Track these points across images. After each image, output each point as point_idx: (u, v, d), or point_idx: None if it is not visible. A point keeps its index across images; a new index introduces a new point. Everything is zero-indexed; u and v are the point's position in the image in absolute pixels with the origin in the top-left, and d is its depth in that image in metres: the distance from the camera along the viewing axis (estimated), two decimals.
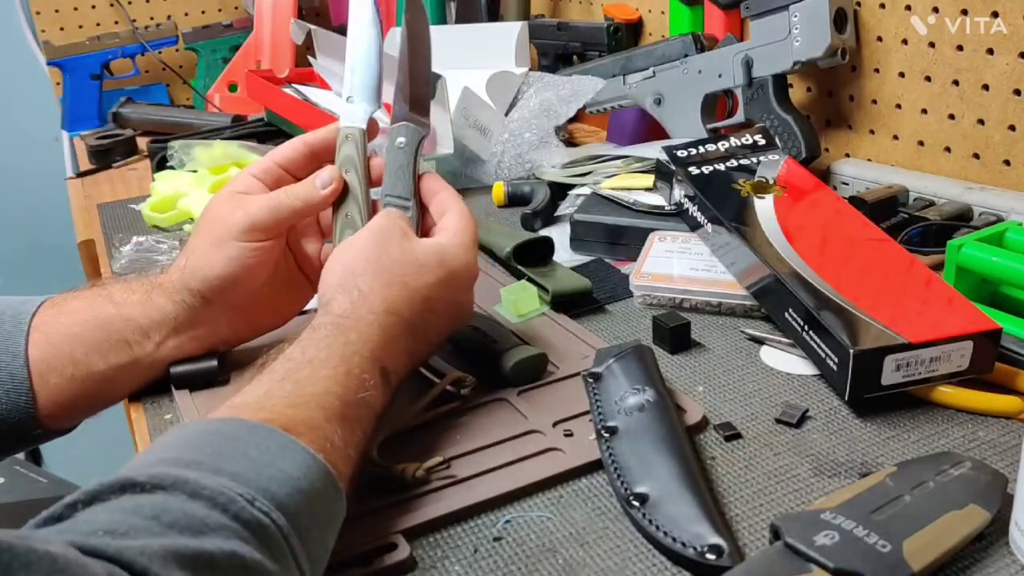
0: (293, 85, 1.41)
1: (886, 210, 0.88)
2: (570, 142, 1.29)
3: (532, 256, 0.84)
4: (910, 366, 0.59)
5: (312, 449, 0.46)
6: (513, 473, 0.55)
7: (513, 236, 0.86)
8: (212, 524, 0.38)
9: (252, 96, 1.43)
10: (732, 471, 0.56)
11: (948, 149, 0.93)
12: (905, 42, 0.94)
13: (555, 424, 0.60)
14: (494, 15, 1.49)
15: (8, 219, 2.19)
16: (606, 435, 0.56)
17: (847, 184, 0.99)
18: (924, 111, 0.94)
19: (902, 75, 0.95)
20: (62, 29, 1.73)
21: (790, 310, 0.66)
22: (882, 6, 0.95)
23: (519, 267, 0.82)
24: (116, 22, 1.76)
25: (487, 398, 0.64)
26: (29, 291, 0.66)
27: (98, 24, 1.75)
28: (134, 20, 1.74)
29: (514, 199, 1.05)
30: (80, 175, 1.39)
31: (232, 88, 1.63)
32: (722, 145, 0.88)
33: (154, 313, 0.65)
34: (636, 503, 0.51)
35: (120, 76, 1.68)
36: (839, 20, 0.95)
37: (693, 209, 0.82)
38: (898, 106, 0.97)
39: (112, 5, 1.76)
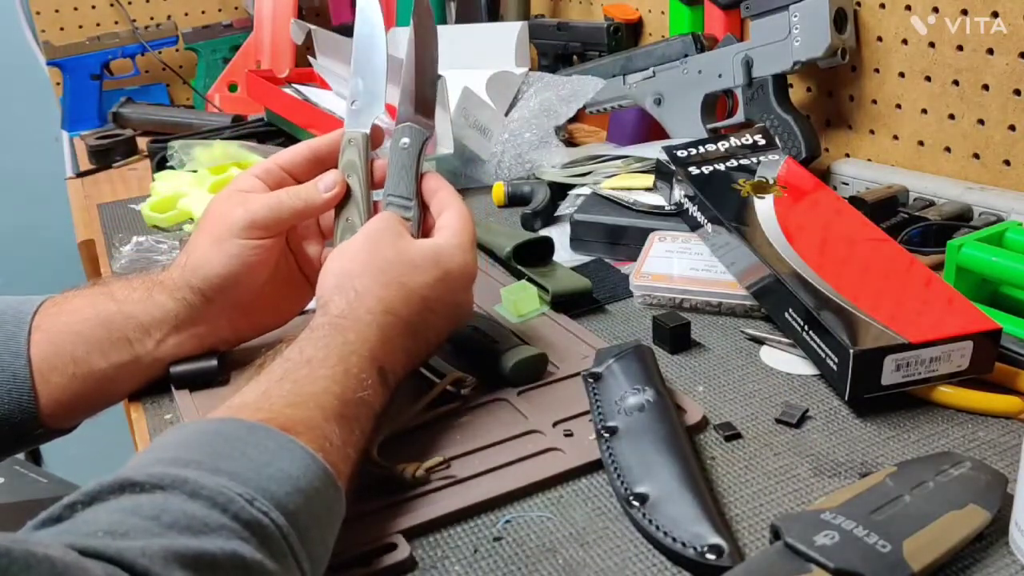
0: (293, 85, 1.41)
1: (886, 210, 0.88)
2: (570, 142, 1.29)
3: (532, 256, 0.84)
4: (910, 366, 0.59)
5: (311, 448, 0.46)
6: (513, 473, 0.55)
7: (513, 236, 0.86)
8: (212, 524, 0.38)
9: (252, 96, 1.43)
10: (732, 471, 0.56)
11: (948, 149, 0.93)
12: (905, 42, 0.94)
13: (555, 424, 0.60)
14: (494, 15, 1.49)
15: (8, 219, 2.19)
16: (606, 435, 0.56)
17: (847, 184, 0.99)
18: (924, 111, 0.94)
19: (902, 75, 0.95)
20: (62, 29, 1.73)
21: (790, 310, 0.66)
22: (882, 6, 0.95)
23: (519, 267, 0.82)
24: (116, 22, 1.76)
25: (487, 398, 0.64)
26: (29, 291, 0.66)
27: (98, 24, 1.75)
28: (134, 20, 1.74)
29: (514, 199, 1.05)
30: (80, 175, 1.39)
31: (232, 88, 1.63)
32: (722, 145, 0.88)
33: (155, 311, 0.65)
34: (636, 503, 0.51)
35: (120, 76, 1.68)
36: (839, 20, 0.95)
37: (693, 209, 0.82)
38: (898, 106, 0.97)
39: (112, 5, 1.76)
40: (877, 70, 0.98)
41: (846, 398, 0.60)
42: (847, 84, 1.02)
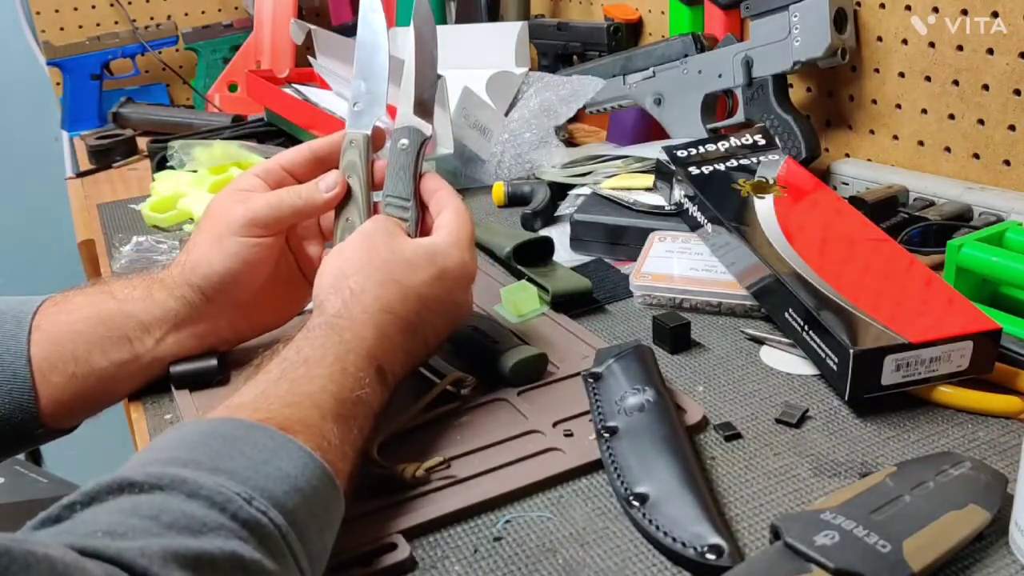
0: (293, 85, 1.41)
1: (886, 210, 0.88)
2: (570, 142, 1.29)
3: (532, 256, 0.84)
4: (910, 366, 0.59)
5: (309, 448, 0.46)
6: (513, 473, 0.55)
7: (513, 236, 0.86)
8: (211, 524, 0.38)
9: (252, 96, 1.43)
10: (732, 471, 0.56)
11: (948, 149, 0.93)
12: (905, 42, 0.94)
13: (555, 424, 0.60)
14: (494, 15, 1.49)
15: (8, 219, 2.19)
16: (606, 435, 0.56)
17: (847, 184, 0.99)
18: (924, 111, 0.94)
19: (902, 75, 0.95)
20: (62, 29, 1.73)
21: (790, 310, 0.66)
22: (882, 6, 0.95)
23: (519, 267, 0.82)
24: (116, 22, 1.76)
25: (487, 398, 0.64)
26: (29, 291, 0.66)
27: (98, 24, 1.75)
28: (134, 20, 1.74)
29: (514, 199, 1.05)
30: (80, 175, 1.39)
31: (232, 88, 1.63)
32: (722, 145, 0.88)
33: (155, 309, 0.65)
34: (636, 503, 0.51)
35: (120, 76, 1.68)
36: (839, 20, 0.95)
37: (693, 209, 0.82)
38: (898, 106, 0.97)
39: (112, 5, 1.76)
40: (877, 70, 0.98)
41: (846, 398, 0.60)
42: (847, 84, 1.02)
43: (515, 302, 0.75)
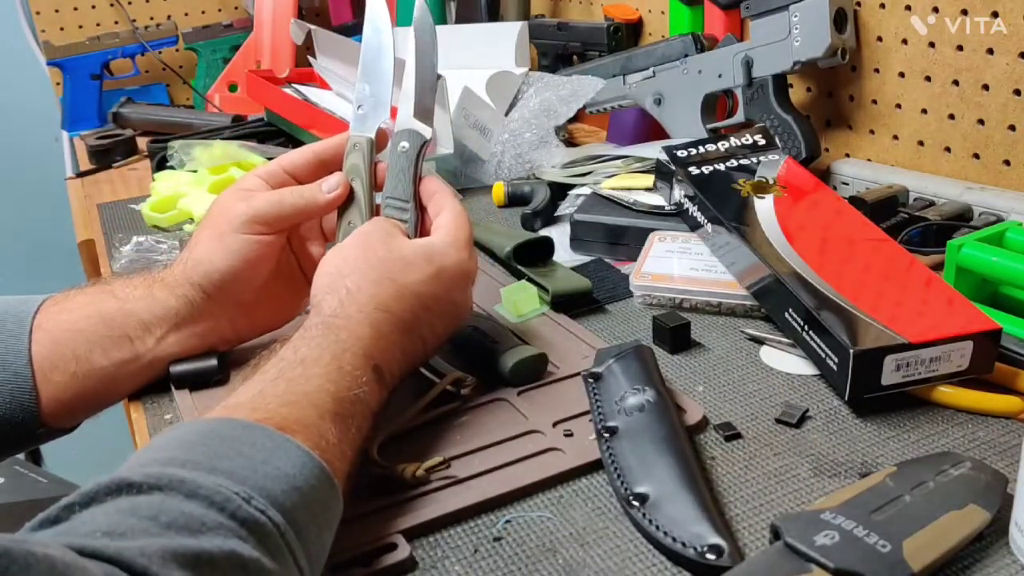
0: (293, 85, 1.41)
1: (886, 210, 0.88)
2: (570, 142, 1.29)
3: (532, 256, 0.84)
4: (910, 366, 0.59)
5: (307, 447, 0.46)
6: (513, 473, 0.55)
7: (513, 236, 0.86)
8: (209, 523, 0.38)
9: (252, 96, 1.43)
10: (732, 471, 0.56)
11: (948, 149, 0.93)
12: (905, 42, 0.94)
13: (555, 424, 0.60)
14: (494, 15, 1.49)
15: (8, 219, 2.18)
16: (606, 435, 0.56)
17: (847, 184, 0.99)
18: (924, 111, 0.94)
19: (902, 75, 0.95)
20: (62, 29, 1.73)
21: (790, 310, 0.66)
22: (882, 6, 0.95)
23: (519, 267, 0.82)
24: (116, 22, 1.76)
25: (487, 398, 0.64)
26: (29, 291, 0.66)
27: (98, 24, 1.75)
28: (134, 20, 1.74)
29: (514, 199, 1.05)
30: (80, 175, 1.39)
31: (232, 88, 1.63)
32: (722, 145, 0.88)
33: (156, 308, 0.65)
34: (636, 503, 0.51)
35: (120, 76, 1.68)
36: (839, 20, 0.95)
37: (693, 209, 0.82)
38: (898, 106, 0.97)
39: (112, 5, 1.76)
40: (877, 70, 0.98)
41: (846, 398, 0.60)
42: (847, 84, 1.02)
43: (515, 302, 0.76)
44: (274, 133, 1.35)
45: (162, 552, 0.36)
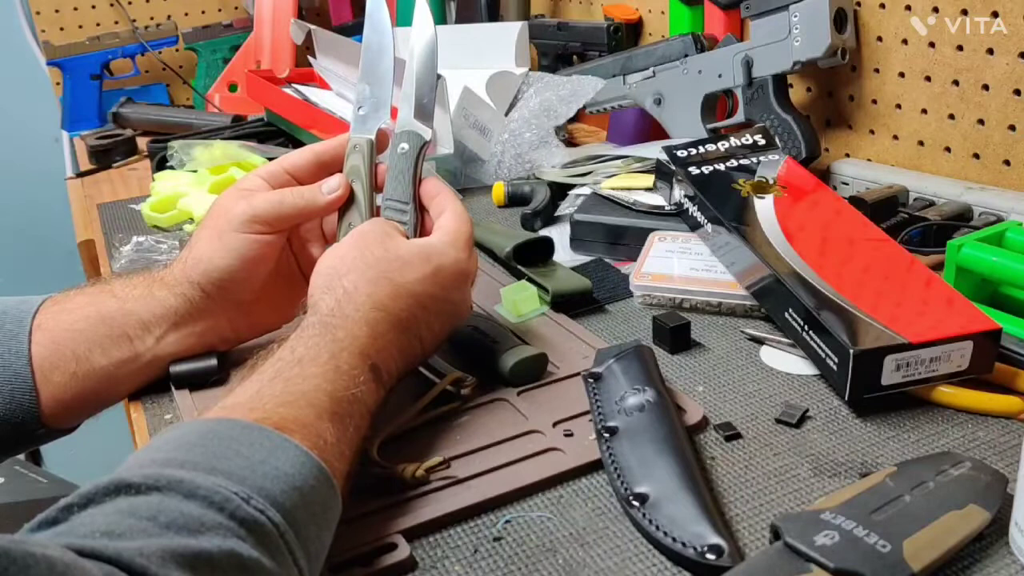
0: (293, 85, 1.41)
1: (886, 210, 0.88)
2: (570, 142, 1.29)
3: (532, 256, 0.84)
4: (910, 366, 0.59)
5: (305, 447, 0.46)
6: (513, 473, 0.55)
7: (513, 236, 0.86)
8: (208, 523, 0.38)
9: (252, 96, 1.43)
10: (732, 471, 0.56)
11: (948, 149, 0.93)
12: (905, 42, 0.94)
13: (555, 424, 0.60)
14: (494, 15, 1.49)
15: (8, 219, 2.18)
16: (606, 435, 0.56)
17: (847, 184, 0.99)
18: (924, 111, 0.94)
19: (902, 75, 0.95)
20: (62, 29, 1.73)
21: (790, 310, 0.66)
22: (882, 6, 0.95)
23: (519, 267, 0.82)
24: (116, 22, 1.76)
25: (487, 398, 0.64)
26: (29, 291, 0.66)
27: (98, 24, 1.75)
28: (134, 20, 1.74)
29: (514, 199, 1.05)
30: (80, 175, 1.39)
31: (232, 88, 1.63)
32: (722, 145, 0.88)
33: (155, 307, 0.65)
34: (636, 503, 0.51)
35: (120, 76, 1.68)
36: (839, 20, 0.95)
37: (693, 209, 0.82)
38: (898, 106, 0.97)
39: (112, 5, 1.76)
40: (877, 70, 0.98)
41: (846, 398, 0.60)
42: (847, 84, 1.02)
43: (515, 302, 0.76)
44: (274, 133, 1.35)
45: (161, 552, 0.36)
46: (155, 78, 1.78)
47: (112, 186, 1.32)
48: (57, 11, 1.73)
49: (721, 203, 0.78)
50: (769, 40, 0.99)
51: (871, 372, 0.59)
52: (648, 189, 0.93)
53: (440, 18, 1.55)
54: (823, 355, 0.62)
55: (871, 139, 1.01)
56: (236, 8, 1.85)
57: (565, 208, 0.99)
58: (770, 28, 0.99)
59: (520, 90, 1.24)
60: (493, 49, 1.30)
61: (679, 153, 0.87)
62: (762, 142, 0.88)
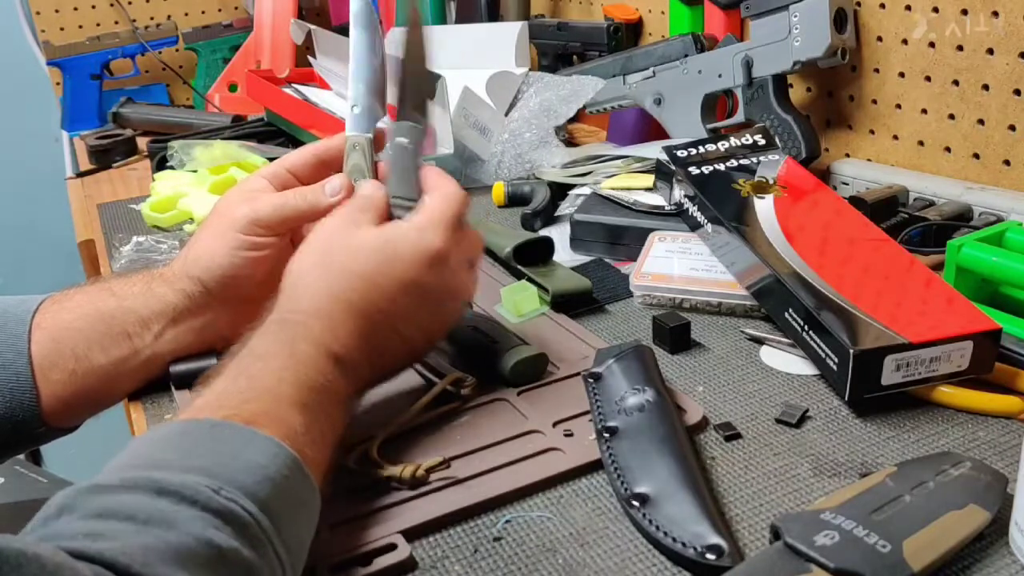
0: (293, 85, 1.41)
1: (886, 210, 0.88)
2: (570, 142, 1.29)
3: (532, 256, 0.84)
4: (910, 366, 0.59)
5: (276, 437, 0.46)
6: (513, 473, 0.55)
7: (513, 236, 0.86)
8: (183, 517, 0.39)
9: (252, 96, 1.43)
10: (732, 471, 0.56)
11: (948, 149, 0.93)
12: (905, 42, 0.94)
13: (555, 424, 0.60)
14: (494, 15, 1.49)
15: (8, 219, 2.19)
16: (606, 435, 0.56)
17: (847, 184, 0.99)
18: (924, 111, 0.94)
19: (902, 75, 0.95)
20: (62, 29, 1.73)
21: (790, 310, 0.66)
22: (882, 6, 0.95)
23: (519, 267, 0.82)
24: (116, 22, 1.76)
25: (487, 398, 0.64)
26: (29, 291, 0.66)
27: (98, 24, 1.75)
28: (134, 20, 1.74)
29: (514, 199, 1.05)
30: (80, 175, 1.39)
31: (232, 88, 1.63)
32: (722, 145, 0.88)
33: (154, 303, 0.65)
34: (636, 503, 0.51)
35: (120, 76, 1.68)
36: (839, 20, 0.95)
37: (693, 209, 0.82)
38: (898, 106, 0.97)
39: (112, 5, 1.76)
40: (877, 70, 0.98)
41: (846, 398, 0.60)
42: (847, 84, 1.02)
43: (515, 302, 0.75)
44: (274, 133, 1.35)
45: (143, 549, 0.36)
46: (155, 78, 1.78)
47: (112, 186, 1.32)
48: (57, 11, 1.73)
49: (721, 203, 0.78)
50: (769, 40, 0.99)
51: (871, 372, 0.59)
52: (648, 189, 0.93)
53: (440, 18, 1.54)
54: (823, 355, 0.62)
55: (871, 139, 1.01)
56: (236, 8, 1.85)
57: (565, 208, 0.99)
58: (770, 28, 0.99)
59: (520, 90, 1.24)
60: (493, 49, 1.30)
61: (679, 153, 0.87)
62: (762, 142, 0.88)
